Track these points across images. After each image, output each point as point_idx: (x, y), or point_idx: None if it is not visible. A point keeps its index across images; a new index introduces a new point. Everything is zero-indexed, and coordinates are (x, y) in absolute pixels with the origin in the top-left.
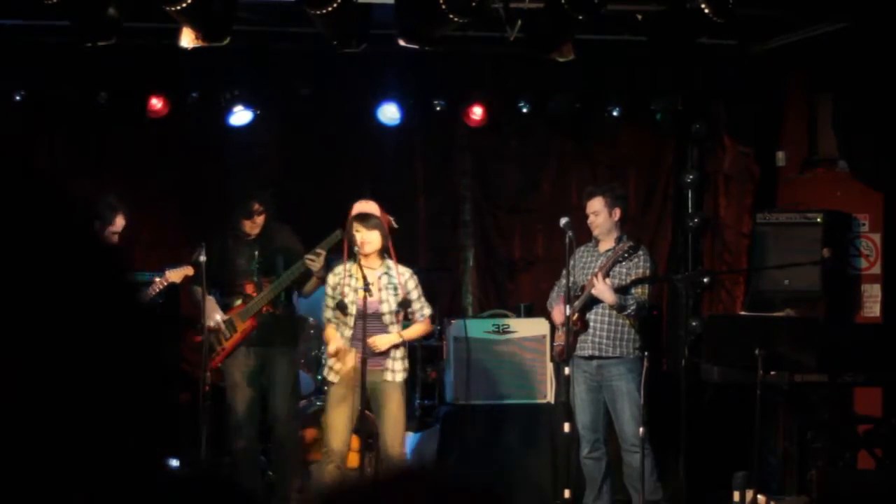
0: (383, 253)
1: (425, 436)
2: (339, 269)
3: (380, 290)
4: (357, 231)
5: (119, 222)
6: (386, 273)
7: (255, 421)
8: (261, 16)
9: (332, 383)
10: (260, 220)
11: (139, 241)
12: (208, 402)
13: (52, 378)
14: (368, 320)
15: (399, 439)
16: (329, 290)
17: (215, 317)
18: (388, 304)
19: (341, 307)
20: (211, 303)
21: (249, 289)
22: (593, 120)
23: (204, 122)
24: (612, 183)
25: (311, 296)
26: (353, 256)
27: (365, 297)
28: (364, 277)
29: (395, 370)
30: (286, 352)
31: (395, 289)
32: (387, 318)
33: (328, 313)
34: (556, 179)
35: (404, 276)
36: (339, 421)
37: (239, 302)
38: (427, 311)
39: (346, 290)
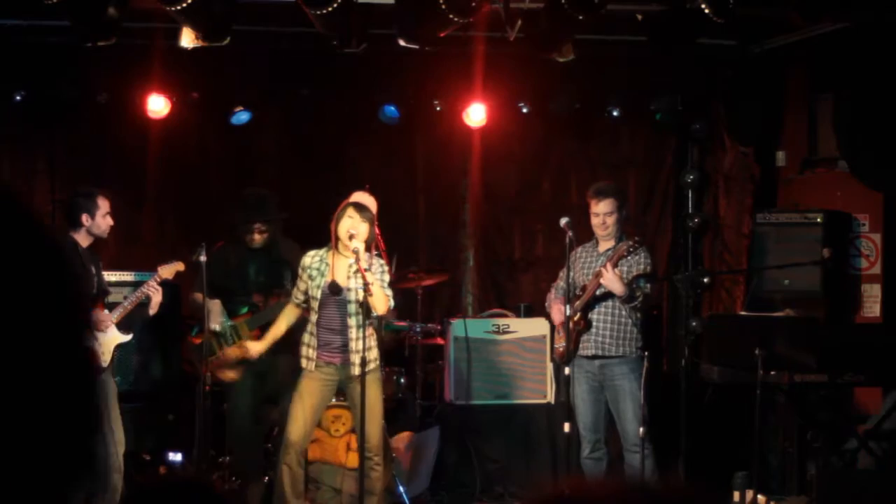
0: (366, 247)
1: (425, 436)
2: (313, 252)
3: (349, 277)
4: (350, 217)
5: (103, 204)
6: (357, 261)
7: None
8: (261, 16)
9: (305, 370)
10: (262, 237)
11: (139, 241)
12: (208, 402)
13: None
14: (337, 305)
15: (377, 430)
16: (303, 273)
17: (219, 320)
18: (355, 292)
19: (334, 289)
20: (216, 306)
21: (257, 298)
22: (593, 120)
23: (204, 122)
24: (615, 183)
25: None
26: (336, 244)
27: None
28: (364, 277)
29: (369, 360)
30: (290, 360)
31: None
32: (352, 307)
33: (300, 297)
34: (556, 179)
35: (372, 263)
36: (302, 412)
37: (245, 310)
38: (388, 290)
39: (314, 272)
